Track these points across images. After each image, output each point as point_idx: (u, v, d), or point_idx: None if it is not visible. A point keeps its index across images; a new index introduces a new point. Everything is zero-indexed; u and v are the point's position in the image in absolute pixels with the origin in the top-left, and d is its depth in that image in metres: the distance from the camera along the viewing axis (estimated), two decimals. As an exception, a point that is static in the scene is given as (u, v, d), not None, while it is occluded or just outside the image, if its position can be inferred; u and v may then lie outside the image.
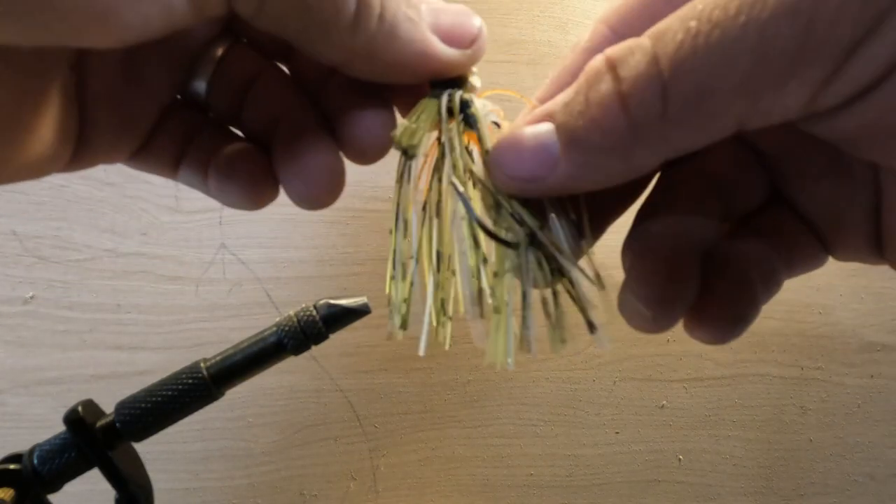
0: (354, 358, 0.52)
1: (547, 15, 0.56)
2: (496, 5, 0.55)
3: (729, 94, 0.15)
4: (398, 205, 0.21)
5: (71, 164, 0.20)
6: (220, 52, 0.22)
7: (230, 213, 0.51)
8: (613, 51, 0.17)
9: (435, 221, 0.21)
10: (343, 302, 0.33)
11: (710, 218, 0.21)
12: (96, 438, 0.31)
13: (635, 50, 0.16)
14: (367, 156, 0.21)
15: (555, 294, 0.21)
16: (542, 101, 0.21)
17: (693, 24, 0.15)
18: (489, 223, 0.20)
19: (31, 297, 0.49)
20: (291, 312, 0.33)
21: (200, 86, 0.22)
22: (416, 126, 0.20)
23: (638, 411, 0.57)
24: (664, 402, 0.57)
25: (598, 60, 0.17)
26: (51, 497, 0.32)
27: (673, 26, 0.16)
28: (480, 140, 0.21)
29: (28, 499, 0.31)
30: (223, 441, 0.51)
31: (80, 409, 0.32)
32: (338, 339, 0.34)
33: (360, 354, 0.53)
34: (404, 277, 0.22)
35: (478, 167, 0.21)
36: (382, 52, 0.19)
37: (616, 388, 0.56)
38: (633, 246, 0.21)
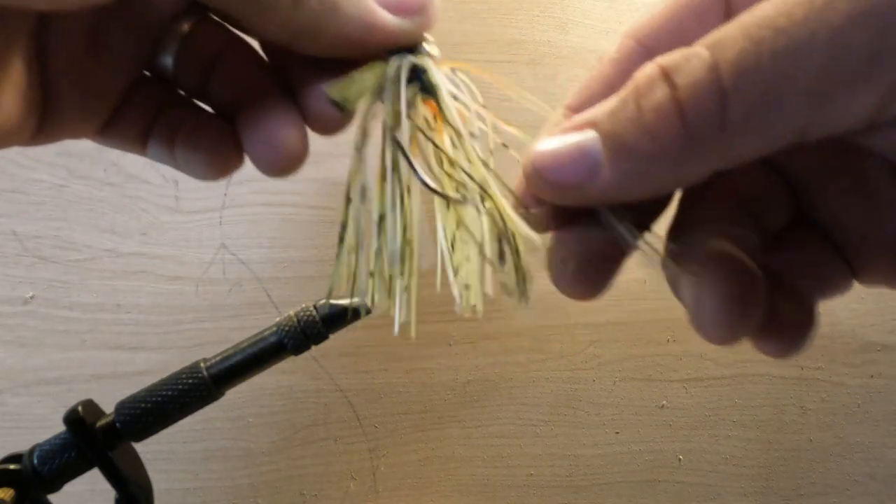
0: (354, 358, 0.52)
1: (547, 15, 0.56)
2: (496, 5, 0.55)
3: (795, 101, 0.15)
4: (353, 171, 0.21)
5: (36, 138, 0.20)
6: (186, 26, 0.22)
7: (230, 212, 0.51)
8: (666, 59, 0.16)
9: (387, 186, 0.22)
10: (343, 302, 0.33)
11: (747, 230, 0.21)
12: (96, 438, 0.31)
13: (691, 58, 0.16)
14: (328, 127, 0.22)
15: (502, 253, 0.21)
16: (573, 108, 0.21)
17: (756, 31, 0.15)
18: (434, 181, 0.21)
19: (31, 297, 0.49)
20: (291, 312, 0.33)
21: (167, 60, 0.22)
22: (353, 81, 0.20)
23: (638, 411, 0.57)
24: (664, 402, 0.57)
25: (649, 68, 0.17)
26: (51, 497, 0.32)
27: (732, 34, 0.15)
28: (441, 108, 0.21)
29: (28, 499, 0.31)
30: (223, 441, 0.51)
31: (80, 409, 0.32)
32: (338, 339, 0.34)
33: (360, 354, 0.53)
34: (356, 247, 0.22)
35: (438, 135, 0.21)
36: (326, 28, 0.19)
37: (616, 388, 0.56)
38: (693, 256, 0.20)
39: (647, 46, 0.20)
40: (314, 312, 0.33)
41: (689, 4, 0.20)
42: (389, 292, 0.23)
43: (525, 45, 0.55)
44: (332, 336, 0.33)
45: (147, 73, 0.23)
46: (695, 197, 0.22)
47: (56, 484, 0.32)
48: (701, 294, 0.19)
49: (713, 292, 0.18)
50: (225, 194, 0.51)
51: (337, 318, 0.33)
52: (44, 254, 0.49)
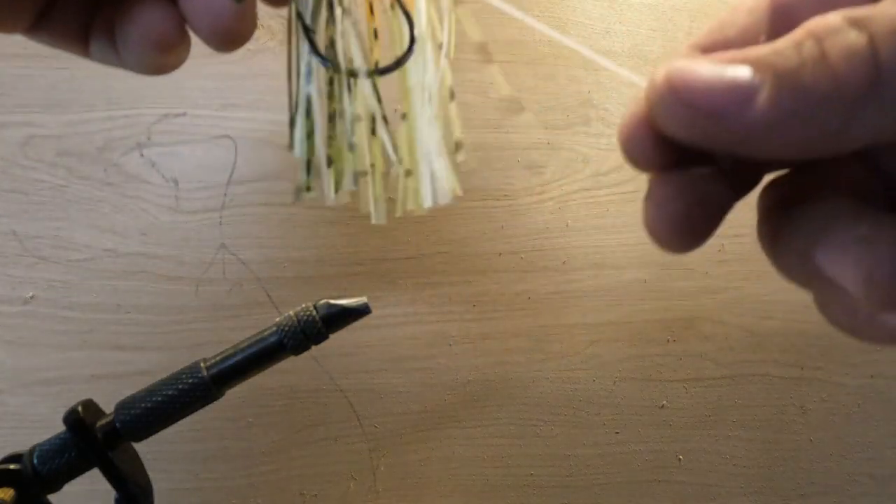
0: (354, 358, 0.52)
1: (547, 15, 0.56)
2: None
3: None
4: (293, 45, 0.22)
5: None
6: None
7: (230, 212, 0.51)
8: (852, 11, 0.16)
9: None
10: (343, 302, 0.33)
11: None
12: (96, 438, 0.31)
13: (886, 9, 0.16)
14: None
15: None
16: (704, 49, 0.20)
17: None
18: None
19: (31, 297, 0.49)
20: (291, 312, 0.33)
21: None
22: None
23: (638, 411, 0.57)
24: (664, 402, 0.57)
25: (831, 17, 0.16)
26: (51, 497, 0.32)
27: None
28: None
29: (28, 499, 0.31)
30: (223, 441, 0.51)
31: (80, 409, 0.32)
32: (338, 339, 0.34)
33: (360, 354, 0.53)
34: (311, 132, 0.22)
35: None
36: None
37: (616, 388, 0.56)
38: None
39: (786, 5, 0.20)
40: (314, 312, 0.33)
41: None
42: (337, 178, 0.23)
43: (525, 45, 0.55)
44: (332, 336, 0.33)
45: None
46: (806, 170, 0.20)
47: (56, 484, 0.32)
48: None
49: None
50: (225, 194, 0.51)
51: (337, 318, 0.33)
52: (44, 254, 0.49)
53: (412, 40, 0.22)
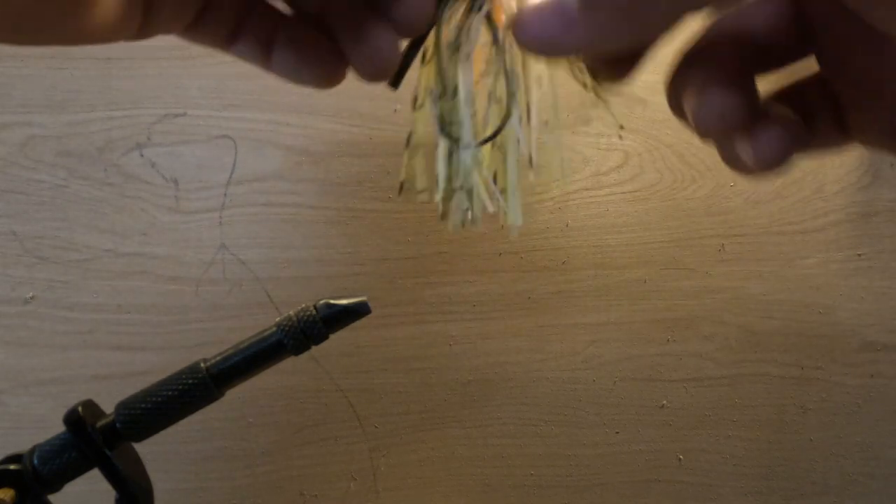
0: (354, 358, 0.52)
1: (547, 15, 0.56)
2: (496, 5, 0.55)
3: None
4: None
5: (139, 33, 0.21)
6: None
7: (230, 212, 0.51)
8: None
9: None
10: (343, 302, 0.33)
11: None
12: (96, 439, 0.31)
13: None
14: (413, 28, 0.23)
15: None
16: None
17: None
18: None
19: (31, 297, 0.49)
20: (291, 312, 0.33)
21: None
22: None
23: (638, 411, 0.57)
24: (664, 402, 0.57)
25: None
26: (51, 497, 0.32)
27: None
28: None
29: (28, 499, 0.31)
30: (223, 441, 0.51)
31: (80, 409, 0.32)
32: (338, 339, 0.34)
33: (360, 354, 0.53)
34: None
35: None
36: None
37: (616, 388, 0.56)
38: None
39: None
40: (314, 312, 0.33)
41: None
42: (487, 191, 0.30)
43: (525, 45, 0.55)
44: (332, 336, 0.33)
45: None
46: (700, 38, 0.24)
47: (56, 484, 0.32)
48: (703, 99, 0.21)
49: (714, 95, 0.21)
50: (225, 194, 0.51)
51: (337, 318, 0.33)
52: (44, 254, 0.49)
53: (508, 114, 0.27)
